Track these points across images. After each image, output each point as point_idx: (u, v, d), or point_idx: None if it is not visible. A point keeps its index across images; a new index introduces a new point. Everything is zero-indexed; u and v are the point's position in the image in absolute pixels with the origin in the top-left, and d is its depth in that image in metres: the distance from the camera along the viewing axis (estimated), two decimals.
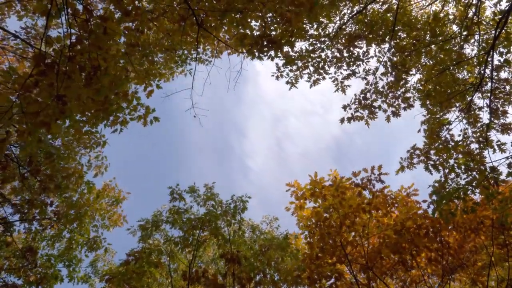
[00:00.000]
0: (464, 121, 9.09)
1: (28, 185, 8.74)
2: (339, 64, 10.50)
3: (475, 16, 8.53)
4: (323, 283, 10.29)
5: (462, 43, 9.25)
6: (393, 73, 10.12)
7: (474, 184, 7.61)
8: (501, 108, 9.19)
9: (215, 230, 10.89)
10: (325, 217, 10.56)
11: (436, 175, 13.24)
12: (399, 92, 10.47)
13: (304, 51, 10.12)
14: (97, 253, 12.66)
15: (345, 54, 10.35)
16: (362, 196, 10.59)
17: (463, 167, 8.17)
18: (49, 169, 7.98)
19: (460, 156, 8.59)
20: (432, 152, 9.20)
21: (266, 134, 50.32)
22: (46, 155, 7.65)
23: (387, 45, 10.00)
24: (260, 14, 5.88)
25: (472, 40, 9.36)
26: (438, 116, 9.57)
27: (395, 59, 10.04)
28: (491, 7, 10.00)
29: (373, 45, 10.12)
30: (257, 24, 6.63)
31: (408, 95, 10.50)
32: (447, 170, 8.47)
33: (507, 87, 9.24)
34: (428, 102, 9.73)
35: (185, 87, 7.26)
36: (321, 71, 10.47)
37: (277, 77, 10.39)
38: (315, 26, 9.88)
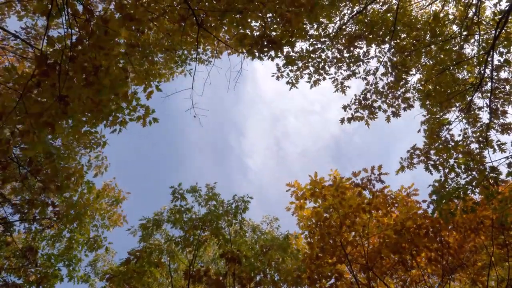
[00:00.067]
0: (464, 121, 9.09)
1: (28, 185, 8.74)
2: (339, 65, 10.50)
3: (475, 16, 8.54)
4: (323, 283, 10.30)
5: (462, 43, 9.26)
6: (393, 73, 10.12)
7: (474, 183, 7.63)
8: (501, 108, 9.19)
9: (216, 230, 10.88)
10: (325, 217, 10.57)
11: (436, 175, 13.26)
12: (399, 92, 10.48)
13: (304, 51, 10.13)
14: (97, 253, 12.69)
15: (345, 55, 10.35)
16: (362, 196, 10.59)
17: (463, 167, 8.18)
18: (50, 169, 7.97)
19: (460, 156, 8.60)
20: (432, 152, 9.21)
21: (265, 133, 50.37)
22: (46, 155, 7.64)
23: (387, 45, 10.01)
24: (260, 14, 5.88)
25: (472, 40, 9.36)
26: (438, 116, 9.58)
27: (395, 59, 10.04)
28: (490, 7, 10.01)
29: (373, 45, 10.12)
30: (257, 24, 6.64)
31: (408, 95, 10.51)
32: (447, 170, 8.49)
33: (507, 87, 9.24)
34: (428, 102, 9.74)
35: (185, 87, 7.26)
36: (322, 71, 10.47)
37: (277, 77, 10.39)
38: (315, 26, 9.89)
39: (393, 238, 9.97)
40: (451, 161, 8.63)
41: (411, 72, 10.11)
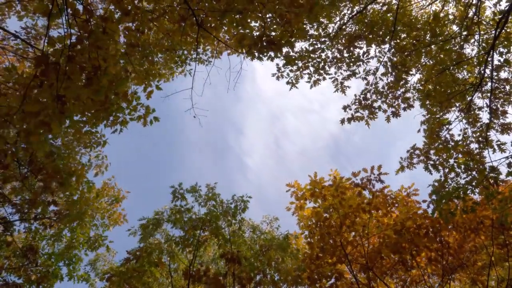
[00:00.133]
0: (464, 121, 9.09)
1: (28, 185, 8.75)
2: (339, 65, 10.50)
3: (475, 16, 8.53)
4: (323, 283, 10.31)
5: (462, 43, 9.25)
6: (393, 73, 10.12)
7: (474, 183, 7.63)
8: (501, 108, 9.19)
9: (216, 230, 10.90)
10: (325, 217, 10.58)
11: (435, 175, 13.26)
12: (399, 92, 10.48)
13: (304, 51, 10.12)
14: (97, 253, 12.70)
15: (345, 55, 10.35)
16: (362, 196, 10.60)
17: (463, 166, 8.18)
18: (50, 168, 7.99)
19: (460, 155, 8.60)
20: (432, 152, 9.21)
21: (264, 132, 50.37)
22: (46, 155, 7.66)
23: (387, 45, 10.00)
24: (260, 15, 5.88)
25: (472, 40, 9.36)
26: (438, 116, 9.58)
27: (395, 59, 10.04)
28: (490, 7, 10.01)
29: (373, 45, 10.13)
30: (257, 24, 6.64)
31: (408, 95, 10.51)
32: (447, 170, 8.49)
33: (507, 87, 9.24)
34: (428, 102, 9.73)
35: (185, 87, 7.27)
36: (322, 71, 10.47)
37: (277, 77, 10.39)
38: (315, 26, 9.89)
39: (393, 238, 9.97)
40: (451, 161, 8.64)
41: (411, 72, 10.11)
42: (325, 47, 10.23)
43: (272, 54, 6.73)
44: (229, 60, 9.52)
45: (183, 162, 43.53)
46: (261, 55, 6.00)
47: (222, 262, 12.41)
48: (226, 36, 8.80)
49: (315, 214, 10.63)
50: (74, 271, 11.61)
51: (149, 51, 7.83)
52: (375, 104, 10.68)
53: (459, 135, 9.09)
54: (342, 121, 10.79)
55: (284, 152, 50.32)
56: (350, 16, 10.10)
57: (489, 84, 8.58)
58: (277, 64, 10.30)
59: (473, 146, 8.86)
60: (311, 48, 10.14)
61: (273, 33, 6.11)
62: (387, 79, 10.41)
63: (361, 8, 9.86)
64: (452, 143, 8.93)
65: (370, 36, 9.91)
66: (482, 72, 8.26)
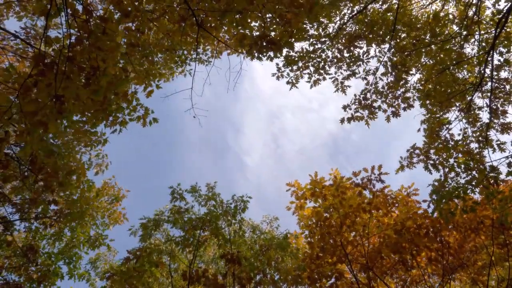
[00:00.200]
0: (464, 120, 9.10)
1: (29, 184, 8.75)
2: (339, 64, 10.50)
3: (475, 16, 8.52)
4: (323, 282, 10.31)
5: (462, 42, 9.25)
6: (393, 73, 10.12)
7: (474, 183, 7.63)
8: (501, 108, 9.19)
9: (216, 230, 10.90)
10: (326, 217, 10.58)
11: (435, 174, 13.27)
12: (399, 92, 10.47)
13: (304, 51, 10.13)
14: (98, 252, 12.70)
15: (346, 54, 10.35)
16: (363, 196, 10.60)
17: (463, 166, 8.18)
18: (51, 167, 7.99)
19: (460, 155, 8.61)
20: (432, 151, 9.21)
21: (263, 131, 50.38)
22: (47, 154, 7.66)
23: (387, 45, 10.00)
24: (260, 15, 5.88)
25: (472, 40, 9.36)
26: (438, 115, 9.58)
27: (395, 59, 10.04)
28: (489, 8, 10.00)
29: (373, 45, 10.12)
30: (257, 24, 6.63)
31: (408, 95, 10.51)
32: (447, 169, 8.50)
33: (507, 87, 9.24)
34: (428, 102, 9.74)
35: (185, 87, 7.28)
36: (322, 71, 10.47)
37: (277, 77, 10.39)
38: (315, 26, 9.88)
39: (393, 238, 9.97)
40: (451, 160, 8.64)
41: (411, 72, 10.10)
42: (325, 47, 10.23)
43: (272, 54, 6.73)
44: (229, 60, 9.50)
45: (182, 162, 43.57)
46: (261, 55, 6.00)
47: (222, 262, 12.42)
48: (226, 36, 8.80)
49: (316, 214, 10.63)
50: (75, 270, 11.62)
51: (149, 51, 7.83)
52: (375, 104, 10.68)
53: (459, 134, 9.10)
54: (342, 121, 10.80)
55: (283, 151, 50.36)
56: (350, 15, 10.10)
57: (489, 83, 8.58)
58: (277, 64, 10.31)
59: (473, 145, 8.87)
60: (311, 48, 10.15)
61: (273, 33, 6.11)
62: (387, 79, 10.42)
63: (361, 8, 9.85)
64: (452, 143, 8.94)
65: (370, 36, 9.91)
66: (482, 71, 8.26)
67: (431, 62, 9.85)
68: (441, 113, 9.63)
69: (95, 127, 6.46)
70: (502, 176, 7.63)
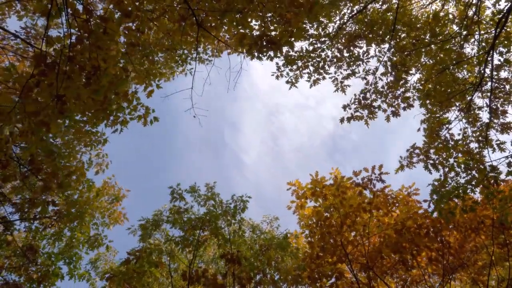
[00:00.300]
0: (464, 120, 9.10)
1: (28, 184, 8.75)
2: (339, 64, 10.51)
3: (475, 16, 8.53)
4: (324, 282, 10.31)
5: (462, 42, 9.26)
6: (393, 73, 10.13)
7: (473, 183, 7.64)
8: (500, 108, 9.19)
9: (215, 230, 10.89)
10: (326, 217, 10.58)
11: (435, 174, 13.28)
12: (399, 92, 10.48)
13: (304, 50, 10.14)
14: (98, 252, 12.69)
15: (345, 54, 10.36)
16: (363, 196, 10.60)
17: (462, 166, 8.19)
18: (51, 167, 7.99)
19: (459, 155, 8.61)
20: (431, 151, 9.22)
21: (260, 129, 50.37)
22: (47, 154, 7.66)
23: (387, 45, 10.01)
24: (260, 14, 5.88)
25: (472, 40, 9.36)
26: (438, 115, 9.59)
27: (395, 58, 10.04)
28: (489, 8, 10.01)
29: (373, 44, 10.13)
30: (257, 24, 6.64)
31: (408, 94, 10.51)
32: (446, 169, 8.50)
33: (507, 87, 9.25)
34: (428, 102, 9.74)
35: (184, 87, 7.28)
36: (321, 70, 10.48)
37: (277, 77, 10.40)
38: (315, 25, 9.89)
39: (393, 238, 9.97)
40: (451, 160, 8.65)
41: (411, 72, 10.11)
42: (325, 47, 10.24)
43: (271, 53, 6.73)
44: (229, 60, 9.53)
45: (181, 161, 43.56)
46: (261, 55, 6.00)
47: (222, 262, 12.42)
48: (227, 36, 8.81)
49: (316, 213, 10.63)
50: (75, 270, 11.61)
51: (150, 51, 7.84)
52: (375, 104, 10.69)
53: (459, 134, 9.10)
54: (342, 121, 10.80)
55: (281, 149, 50.37)
56: (350, 15, 10.11)
57: (489, 83, 8.58)
58: (277, 64, 10.32)
59: (473, 145, 8.88)
60: (311, 47, 10.15)
61: (273, 33, 6.11)
62: (387, 79, 10.42)
63: (361, 8, 9.86)
64: (452, 143, 8.94)
65: (370, 35, 9.91)
66: (482, 71, 8.27)
67: (431, 62, 9.86)
68: (441, 113, 9.64)
69: (95, 127, 6.47)
70: (502, 176, 7.65)
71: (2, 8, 8.99)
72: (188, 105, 10.48)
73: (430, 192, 7.94)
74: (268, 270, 11.08)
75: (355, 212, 10.41)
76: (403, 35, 9.98)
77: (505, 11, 7.39)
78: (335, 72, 10.64)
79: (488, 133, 8.50)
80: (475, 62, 9.27)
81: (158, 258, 10.90)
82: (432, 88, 9.53)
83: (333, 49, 10.38)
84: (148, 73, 8.26)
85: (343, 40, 10.26)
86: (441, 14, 9.76)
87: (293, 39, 5.87)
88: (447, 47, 9.12)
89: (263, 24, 6.04)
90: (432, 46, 9.54)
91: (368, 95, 10.69)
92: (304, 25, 6.27)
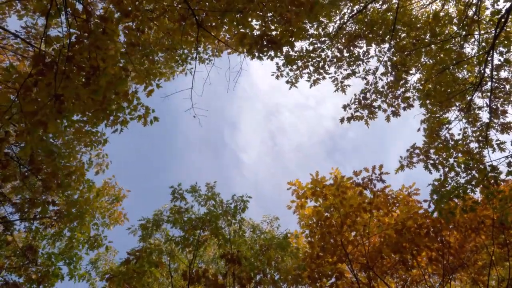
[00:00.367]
0: (464, 120, 9.10)
1: (28, 184, 8.75)
2: (339, 64, 10.50)
3: (475, 15, 8.53)
4: (324, 282, 10.31)
5: (462, 42, 9.26)
6: (393, 73, 10.12)
7: (473, 183, 7.64)
8: (500, 108, 9.19)
9: (216, 230, 10.89)
10: (326, 217, 10.58)
11: (435, 174, 13.28)
12: (399, 92, 10.47)
13: (304, 50, 10.14)
14: (98, 252, 12.69)
15: (345, 54, 10.35)
16: (363, 196, 10.60)
17: (462, 166, 8.19)
18: (50, 167, 7.99)
19: (459, 155, 8.61)
20: (431, 151, 9.22)
21: (260, 128, 50.36)
22: (47, 154, 7.66)
23: (387, 45, 10.01)
24: (261, 13, 5.88)
25: (472, 40, 9.37)
26: (438, 115, 9.59)
27: (395, 58, 10.04)
28: (489, 8, 10.02)
29: (373, 44, 10.12)
30: (257, 23, 6.64)
31: (408, 94, 10.51)
32: (446, 169, 8.50)
33: (507, 87, 9.25)
34: (428, 102, 9.74)
35: (184, 87, 7.27)
36: (321, 70, 10.48)
37: (277, 77, 10.39)
38: (315, 25, 9.89)
39: (393, 238, 9.97)
40: (451, 160, 8.65)
41: (411, 72, 10.11)
42: (325, 47, 10.24)
43: (272, 53, 6.73)
44: (229, 60, 9.51)
45: (181, 161, 43.57)
46: (261, 55, 6.00)
47: (222, 262, 12.41)
48: (227, 35, 8.81)
49: (316, 213, 10.64)
50: (75, 270, 11.61)
51: (150, 50, 7.83)
52: (375, 104, 10.68)
53: (459, 134, 9.11)
54: (342, 121, 10.79)
55: (280, 148, 50.37)
56: (350, 15, 10.11)
57: (489, 83, 8.58)
58: (277, 63, 10.31)
59: (473, 145, 8.88)
60: (311, 47, 10.15)
61: (274, 32, 6.11)
62: (387, 79, 10.42)
63: (361, 7, 9.86)
64: (452, 143, 8.94)
65: (370, 35, 9.91)
66: (482, 71, 8.27)
67: (431, 62, 9.86)
68: (441, 112, 9.64)
69: (95, 127, 6.46)
70: (502, 176, 7.64)
71: (3, 8, 8.99)
72: (188, 105, 10.48)
73: (430, 192, 7.94)
74: (268, 270, 11.07)
75: (355, 212, 10.41)
76: (403, 35, 9.98)
77: (504, 11, 7.38)
78: (335, 72, 10.64)
79: (488, 133, 8.50)
80: (475, 62, 9.27)
81: (158, 258, 10.90)
82: (432, 88, 9.53)
83: (333, 49, 10.38)
84: (148, 73, 8.26)
85: (343, 40, 10.26)
86: (441, 14, 9.76)
87: (293, 38, 5.86)
88: (447, 47, 9.12)
89: (263, 24, 6.04)
90: (432, 46, 9.54)
91: (368, 95, 10.69)
92: (305, 25, 6.26)
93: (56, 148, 8.40)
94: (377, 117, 10.67)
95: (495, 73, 8.84)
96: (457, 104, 9.40)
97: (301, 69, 10.44)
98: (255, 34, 5.83)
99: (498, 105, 9.24)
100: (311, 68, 10.47)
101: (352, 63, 10.40)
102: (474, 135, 8.92)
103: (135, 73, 7.72)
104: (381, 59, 10.26)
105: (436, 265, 10.42)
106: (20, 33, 8.87)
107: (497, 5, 8.10)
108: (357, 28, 10.21)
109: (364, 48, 10.22)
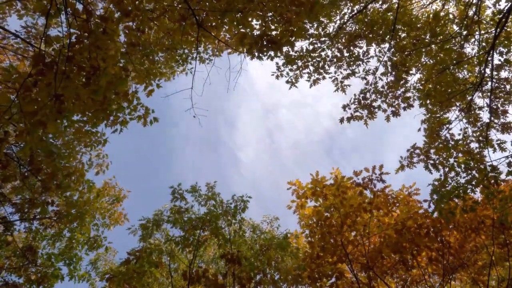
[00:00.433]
0: (464, 120, 9.10)
1: (28, 184, 8.75)
2: (339, 64, 10.50)
3: (475, 15, 8.53)
4: (324, 282, 10.30)
5: (462, 42, 9.25)
6: (393, 73, 10.11)
7: (474, 183, 7.64)
8: (501, 108, 9.19)
9: (216, 230, 10.88)
10: (326, 216, 10.58)
11: (435, 174, 13.27)
12: (399, 92, 10.46)
13: (304, 50, 10.13)
14: (98, 252, 12.68)
15: (345, 54, 10.34)
16: (363, 196, 10.60)
17: (463, 166, 8.19)
18: (50, 168, 7.98)
19: (460, 155, 8.61)
20: (432, 151, 9.22)
21: (257, 126, 50.32)
22: (46, 154, 7.65)
23: (387, 45, 10.00)
24: (261, 14, 5.88)
25: (472, 40, 9.36)
26: (438, 115, 9.59)
27: (395, 58, 10.03)
28: (489, 8, 10.01)
29: (373, 44, 10.12)
30: (258, 23, 6.64)
31: (408, 94, 10.50)
32: (447, 169, 8.50)
33: (507, 87, 9.24)
34: (428, 102, 9.74)
35: (183, 86, 7.27)
36: (321, 70, 10.47)
37: (277, 77, 10.39)
38: (315, 25, 9.88)
39: (394, 238, 9.96)
40: (451, 160, 8.65)
41: (411, 72, 10.10)
42: (325, 46, 10.23)
43: (272, 53, 6.72)
44: (229, 59, 9.50)
45: (181, 161, 43.55)
46: (261, 54, 5.99)
47: (222, 262, 12.41)
48: (227, 35, 8.80)
49: (316, 213, 10.63)
50: (75, 271, 11.60)
51: (150, 50, 7.82)
52: (375, 104, 10.67)
53: (459, 134, 9.11)
54: (342, 121, 10.78)
55: (278, 146, 50.34)
56: (350, 15, 10.10)
57: (490, 83, 8.58)
58: (277, 63, 10.30)
59: (473, 145, 8.88)
60: (311, 47, 10.14)
61: (274, 32, 6.10)
62: (387, 79, 10.41)
63: (361, 7, 9.86)
64: (452, 143, 8.94)
65: (370, 35, 9.91)
66: (482, 71, 8.27)
67: (431, 62, 9.85)
68: (441, 113, 9.64)
69: (95, 127, 6.45)
70: (502, 176, 7.65)
71: (3, 7, 8.98)
72: (188, 105, 10.47)
73: (430, 192, 7.94)
74: (268, 270, 11.07)
75: (355, 212, 10.41)
76: (403, 35, 9.98)
77: (505, 11, 7.38)
78: (335, 72, 10.63)
79: (488, 133, 8.50)
80: (475, 62, 9.27)
81: (158, 258, 10.89)
82: (432, 88, 9.53)
83: (333, 49, 10.37)
84: (148, 73, 8.25)
85: (343, 40, 10.26)
86: (442, 14, 9.75)
87: (293, 38, 5.86)
88: (447, 47, 9.11)
89: (263, 24, 6.04)
90: (432, 46, 9.54)
91: (368, 95, 10.67)
92: (305, 25, 6.26)
93: (56, 149, 8.39)
94: (377, 117, 10.67)
95: (495, 73, 8.85)
96: (458, 104, 9.40)
97: (301, 69, 10.43)
98: (255, 34, 5.83)
99: (499, 105, 9.24)
100: (311, 68, 10.46)
101: (352, 63, 10.39)
102: (475, 135, 8.93)
103: (135, 73, 7.71)
104: (381, 59, 10.26)
105: (436, 265, 10.42)
106: (20, 33, 8.86)
107: (499, 5, 8.10)
108: (357, 28, 10.20)
109: (364, 48, 10.23)
